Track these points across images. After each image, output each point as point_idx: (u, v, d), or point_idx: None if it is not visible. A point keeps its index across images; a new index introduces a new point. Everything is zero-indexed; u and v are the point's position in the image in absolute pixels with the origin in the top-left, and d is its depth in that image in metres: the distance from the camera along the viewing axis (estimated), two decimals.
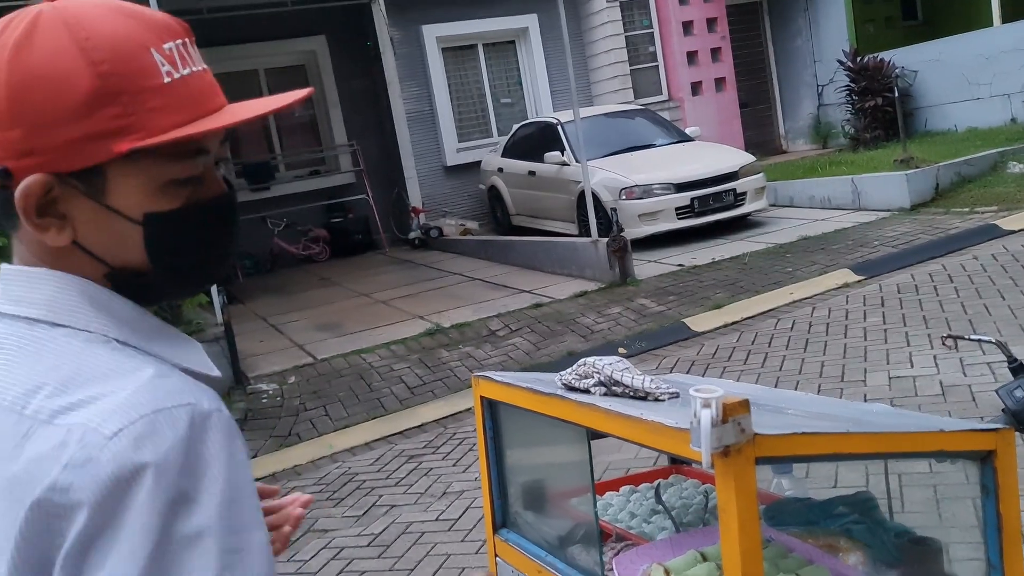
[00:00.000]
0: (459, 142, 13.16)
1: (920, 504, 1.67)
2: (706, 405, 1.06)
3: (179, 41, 0.84)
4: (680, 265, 8.77)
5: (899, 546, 1.34)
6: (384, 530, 4.43)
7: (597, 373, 1.48)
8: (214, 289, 6.82)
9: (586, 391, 1.48)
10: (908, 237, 8.50)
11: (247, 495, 0.77)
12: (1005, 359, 1.59)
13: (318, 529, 4.58)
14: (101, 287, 0.85)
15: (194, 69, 0.85)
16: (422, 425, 5.88)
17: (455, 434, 5.63)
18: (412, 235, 12.39)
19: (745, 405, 1.07)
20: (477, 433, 1.75)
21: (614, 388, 1.47)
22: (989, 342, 1.76)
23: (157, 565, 0.72)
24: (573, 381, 1.50)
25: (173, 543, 0.72)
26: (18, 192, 0.80)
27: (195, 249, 0.88)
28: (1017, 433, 1.56)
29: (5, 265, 0.88)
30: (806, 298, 7.26)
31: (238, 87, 13.16)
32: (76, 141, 0.80)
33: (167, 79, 0.82)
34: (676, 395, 1.45)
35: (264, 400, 6.56)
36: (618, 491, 1.84)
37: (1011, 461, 1.20)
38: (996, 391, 1.66)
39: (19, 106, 0.79)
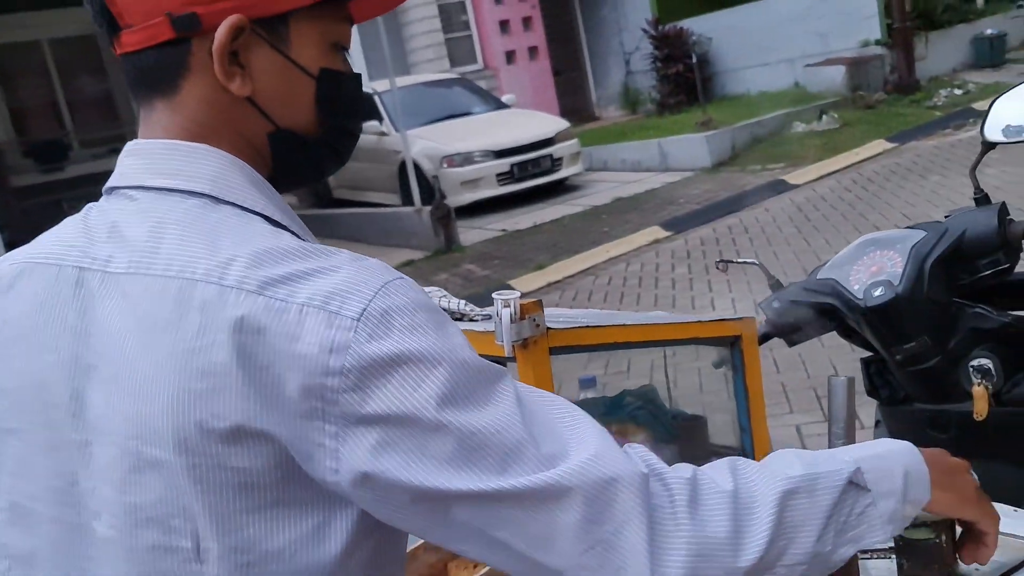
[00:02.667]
0: None
1: (692, 391, 1.97)
2: (506, 305, 1.26)
3: None
4: (503, 230, 9.07)
5: (675, 426, 1.60)
6: None
7: None
8: None
9: None
10: (709, 194, 9.16)
11: None
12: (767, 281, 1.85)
13: None
14: (256, 173, 0.84)
15: None
16: None
17: None
18: None
19: (539, 305, 1.28)
20: None
21: None
22: (752, 264, 2.00)
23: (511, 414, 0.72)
24: None
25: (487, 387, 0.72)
26: (220, 30, 0.78)
27: (352, 115, 0.92)
28: (779, 338, 1.85)
29: (142, 140, 0.84)
30: (621, 255, 7.71)
31: (19, 60, 12.14)
32: None
33: None
34: (488, 317, 1.66)
35: None
36: None
37: (753, 343, 1.48)
38: (758, 305, 1.89)
39: None
